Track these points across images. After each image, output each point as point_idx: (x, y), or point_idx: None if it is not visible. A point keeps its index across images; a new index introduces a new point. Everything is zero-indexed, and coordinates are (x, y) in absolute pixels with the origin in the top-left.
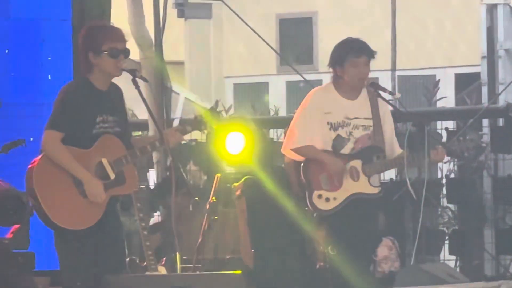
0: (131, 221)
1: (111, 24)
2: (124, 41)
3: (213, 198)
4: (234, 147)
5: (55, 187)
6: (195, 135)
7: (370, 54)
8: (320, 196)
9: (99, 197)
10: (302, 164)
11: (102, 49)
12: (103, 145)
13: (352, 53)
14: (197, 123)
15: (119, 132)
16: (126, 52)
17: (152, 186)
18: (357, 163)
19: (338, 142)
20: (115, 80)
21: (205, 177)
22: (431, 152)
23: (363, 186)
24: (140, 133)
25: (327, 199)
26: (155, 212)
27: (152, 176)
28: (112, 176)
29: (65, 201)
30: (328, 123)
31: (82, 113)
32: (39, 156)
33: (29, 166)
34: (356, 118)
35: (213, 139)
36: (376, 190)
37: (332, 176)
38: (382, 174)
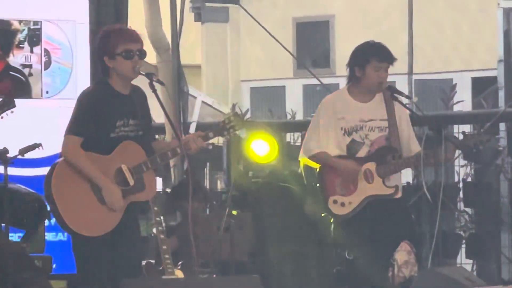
0: (148, 225)
1: (127, 26)
2: (139, 42)
3: (230, 202)
4: (260, 151)
5: (73, 193)
6: (213, 139)
7: (392, 60)
8: (335, 201)
9: (117, 204)
10: (317, 170)
11: (116, 51)
12: (123, 150)
13: (376, 57)
14: (220, 130)
15: (141, 136)
16: (142, 53)
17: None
18: (371, 165)
19: (353, 146)
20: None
21: (222, 181)
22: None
23: (378, 187)
24: (156, 136)
25: (343, 204)
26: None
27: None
28: (132, 182)
29: (83, 207)
30: (342, 128)
31: (101, 117)
32: (58, 161)
33: (48, 171)
34: (371, 120)
35: (234, 144)
36: (391, 191)
37: (346, 180)
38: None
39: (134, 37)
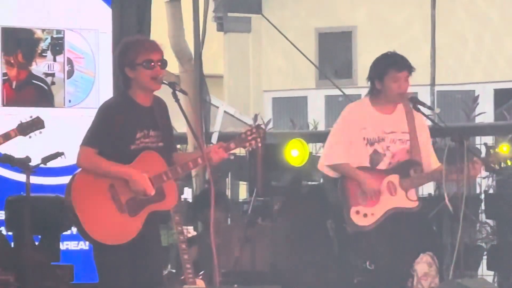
0: (169, 234)
1: (146, 37)
2: (159, 52)
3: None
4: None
5: (93, 203)
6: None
7: (410, 69)
8: (358, 212)
9: (148, 189)
10: (339, 181)
11: (137, 62)
12: (144, 160)
13: (393, 67)
14: (242, 141)
15: (162, 147)
16: (163, 62)
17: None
18: (394, 178)
19: (375, 157)
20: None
21: (244, 191)
22: (467, 166)
23: (401, 200)
24: (179, 146)
25: (365, 215)
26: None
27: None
28: (152, 192)
29: (103, 216)
30: (364, 138)
31: (121, 129)
32: (77, 172)
33: (68, 182)
34: (392, 132)
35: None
36: (414, 204)
37: (367, 194)
38: (420, 188)
39: (154, 47)
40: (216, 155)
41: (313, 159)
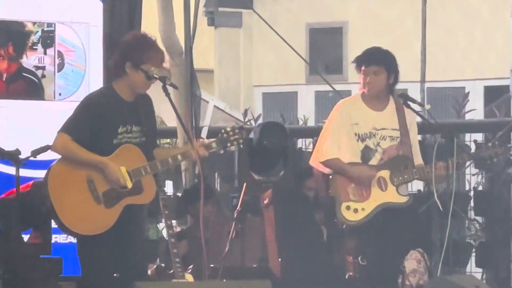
0: (158, 228)
1: (160, 48)
2: (163, 64)
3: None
4: None
5: (69, 193)
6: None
7: (382, 62)
8: (348, 208)
9: (122, 179)
10: (330, 176)
11: (141, 67)
12: (123, 154)
13: (361, 63)
14: (223, 141)
15: (144, 142)
16: (163, 79)
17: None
18: (385, 173)
19: (366, 153)
20: None
21: (233, 185)
22: (452, 161)
23: (392, 195)
24: (168, 140)
25: (356, 210)
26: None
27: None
28: (129, 185)
29: (79, 207)
30: (356, 134)
31: (103, 123)
32: (55, 162)
33: (45, 173)
34: (383, 129)
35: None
36: (404, 199)
37: (360, 186)
38: (409, 185)
39: (162, 61)
40: (195, 154)
41: (302, 155)
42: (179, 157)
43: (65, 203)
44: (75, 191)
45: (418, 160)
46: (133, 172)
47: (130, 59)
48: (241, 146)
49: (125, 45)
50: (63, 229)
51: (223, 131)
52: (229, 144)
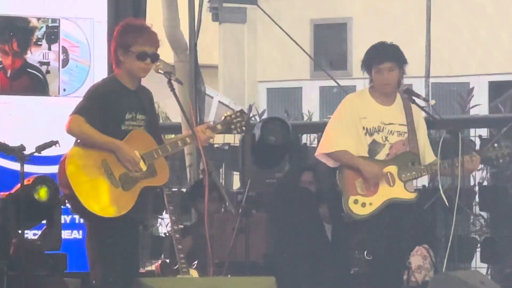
0: (163, 224)
1: (148, 26)
2: (155, 46)
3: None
4: None
5: (87, 177)
6: (229, 138)
7: (395, 59)
8: (356, 201)
9: (136, 159)
10: (337, 170)
11: (131, 49)
12: (134, 138)
13: (375, 60)
14: (228, 123)
15: (148, 131)
16: (154, 56)
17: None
18: (393, 169)
19: (374, 147)
20: (148, 82)
21: (238, 181)
22: (465, 160)
23: (399, 191)
24: (173, 135)
25: (363, 204)
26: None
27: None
28: (144, 168)
29: (98, 190)
30: (364, 128)
31: (111, 109)
32: (70, 148)
33: (61, 160)
34: (391, 123)
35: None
36: (412, 196)
37: (368, 180)
38: (414, 181)
39: (152, 41)
40: (204, 135)
41: (307, 151)
42: (188, 139)
43: (84, 187)
44: (92, 175)
45: (430, 155)
46: (145, 155)
47: (120, 46)
48: (244, 129)
49: (115, 34)
50: (84, 213)
51: (226, 114)
52: (233, 127)
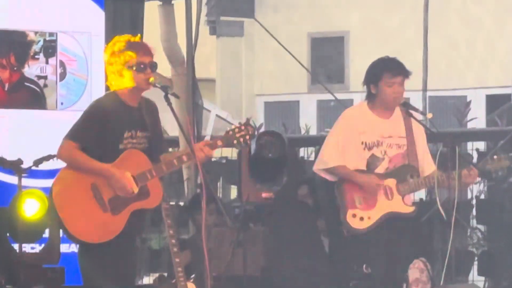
0: (161, 238)
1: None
2: (150, 55)
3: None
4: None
5: (76, 201)
6: (226, 152)
7: (406, 74)
8: (354, 215)
9: (129, 186)
10: (336, 184)
11: (128, 65)
12: (127, 159)
13: (388, 72)
14: (228, 138)
15: (149, 148)
16: (153, 65)
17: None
18: (391, 182)
19: (373, 161)
20: (146, 96)
21: (235, 195)
22: (462, 173)
23: (397, 205)
24: (170, 149)
25: (362, 218)
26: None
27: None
28: (136, 190)
29: (85, 215)
30: (362, 142)
31: (108, 127)
32: (61, 170)
33: (54, 180)
34: (390, 137)
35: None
36: (410, 209)
37: (366, 194)
38: (413, 194)
39: (146, 50)
40: (202, 153)
41: (304, 164)
42: (184, 157)
43: (71, 212)
44: (80, 199)
45: (431, 166)
46: (138, 177)
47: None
48: (248, 142)
49: (105, 58)
50: (70, 237)
51: (228, 129)
52: (235, 142)
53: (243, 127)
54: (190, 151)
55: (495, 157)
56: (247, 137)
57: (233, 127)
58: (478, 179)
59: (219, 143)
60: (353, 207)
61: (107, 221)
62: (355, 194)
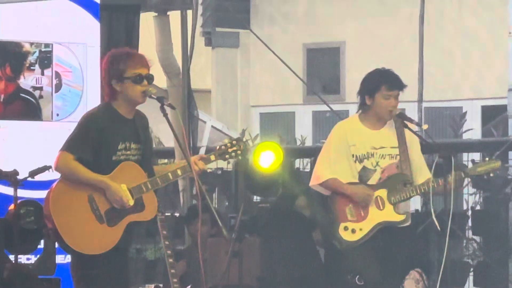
0: (156, 249)
1: (134, 51)
2: (147, 67)
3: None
4: (265, 162)
5: (72, 212)
6: (221, 163)
7: (402, 87)
8: (346, 228)
9: (125, 199)
10: (328, 197)
11: (125, 76)
12: (123, 171)
13: (385, 85)
14: (222, 153)
15: (141, 161)
16: (150, 77)
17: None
18: (382, 192)
19: (364, 173)
20: (141, 107)
21: (231, 205)
22: (450, 179)
23: (389, 214)
24: (166, 160)
25: (353, 231)
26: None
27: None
28: (131, 202)
29: (82, 226)
30: (353, 155)
31: (103, 139)
32: (56, 181)
33: (47, 191)
34: (382, 147)
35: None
36: (401, 217)
37: (357, 206)
38: (408, 203)
39: (144, 62)
40: (196, 167)
41: (300, 175)
42: (179, 171)
43: (68, 223)
44: (77, 210)
45: (426, 174)
46: (134, 189)
47: (113, 76)
48: (240, 158)
49: (104, 67)
50: (66, 249)
51: (221, 143)
52: (227, 156)
53: (234, 142)
54: (185, 164)
55: (486, 159)
56: (239, 152)
57: (225, 141)
58: (474, 190)
59: (212, 158)
60: (345, 220)
61: (103, 232)
62: (346, 207)
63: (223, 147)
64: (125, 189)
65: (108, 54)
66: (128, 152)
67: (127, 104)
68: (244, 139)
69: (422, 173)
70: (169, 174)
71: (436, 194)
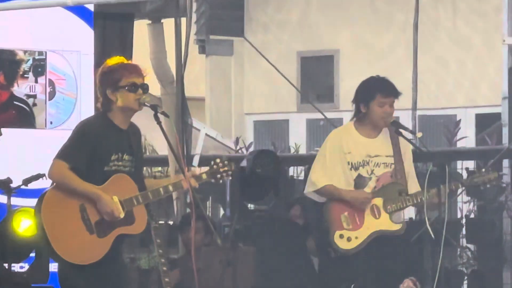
0: (150, 257)
1: (128, 61)
2: (142, 76)
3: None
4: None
5: (62, 222)
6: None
7: (397, 95)
8: (341, 236)
9: (116, 212)
10: (323, 205)
11: (120, 85)
12: (115, 183)
13: (380, 92)
14: (213, 173)
15: (134, 172)
16: (145, 87)
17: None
18: (378, 201)
19: (360, 181)
20: (135, 115)
21: (225, 214)
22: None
23: (385, 223)
24: (159, 168)
25: (349, 239)
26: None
27: None
28: (122, 215)
29: (72, 235)
30: (348, 163)
31: (96, 149)
32: (47, 189)
33: (38, 199)
34: (377, 156)
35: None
36: (397, 227)
37: (353, 214)
38: (402, 212)
39: (138, 71)
40: (187, 184)
41: (294, 184)
42: (170, 187)
43: (58, 232)
44: (68, 219)
45: (415, 186)
46: (125, 202)
47: (108, 86)
48: (231, 178)
49: (99, 77)
50: (55, 258)
51: (212, 162)
52: (219, 176)
53: (226, 162)
54: (177, 181)
55: (483, 170)
56: (230, 172)
57: (217, 160)
58: (468, 198)
59: (204, 177)
60: (340, 228)
61: (92, 243)
62: (342, 215)
63: (214, 166)
64: (117, 201)
65: (102, 67)
66: (120, 163)
67: (122, 114)
68: (238, 153)
69: (411, 186)
70: (161, 189)
71: (432, 205)
